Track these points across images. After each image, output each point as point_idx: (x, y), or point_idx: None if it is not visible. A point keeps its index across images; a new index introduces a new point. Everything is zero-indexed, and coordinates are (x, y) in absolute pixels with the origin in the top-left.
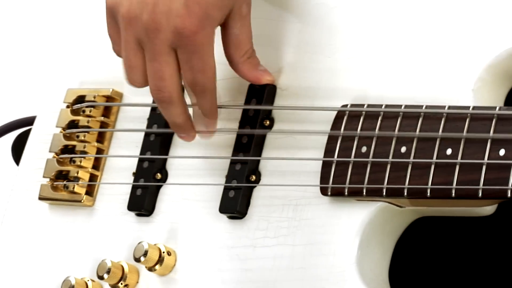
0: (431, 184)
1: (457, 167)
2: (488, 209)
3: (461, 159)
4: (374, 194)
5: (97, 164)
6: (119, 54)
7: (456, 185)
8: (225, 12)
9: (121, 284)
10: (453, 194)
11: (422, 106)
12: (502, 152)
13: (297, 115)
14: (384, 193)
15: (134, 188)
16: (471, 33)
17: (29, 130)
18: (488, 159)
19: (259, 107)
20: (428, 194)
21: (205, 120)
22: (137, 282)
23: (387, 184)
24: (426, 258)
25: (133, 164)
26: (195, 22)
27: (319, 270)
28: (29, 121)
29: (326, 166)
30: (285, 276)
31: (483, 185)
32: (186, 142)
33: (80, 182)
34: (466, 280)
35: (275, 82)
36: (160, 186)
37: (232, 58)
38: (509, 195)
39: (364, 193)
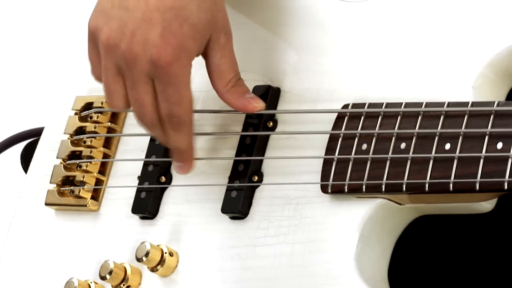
0: (430, 179)
1: (455, 161)
2: (487, 206)
3: (459, 153)
4: (373, 190)
5: (103, 170)
6: (98, 78)
7: (454, 178)
8: (202, 42)
9: (123, 285)
10: (451, 188)
11: (422, 104)
12: (499, 145)
13: (300, 117)
14: (383, 189)
15: (138, 191)
16: (472, 30)
17: (37, 140)
18: (485, 153)
19: (264, 111)
20: (427, 188)
21: (181, 156)
22: (139, 284)
23: (386, 179)
24: (426, 256)
25: (138, 169)
26: (171, 53)
27: (318, 267)
28: (38, 131)
29: (327, 164)
30: (285, 273)
31: (481, 178)
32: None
33: (85, 186)
34: (466, 278)
35: (264, 107)
36: (164, 189)
37: (217, 87)
38: (506, 187)
39: (364, 190)
